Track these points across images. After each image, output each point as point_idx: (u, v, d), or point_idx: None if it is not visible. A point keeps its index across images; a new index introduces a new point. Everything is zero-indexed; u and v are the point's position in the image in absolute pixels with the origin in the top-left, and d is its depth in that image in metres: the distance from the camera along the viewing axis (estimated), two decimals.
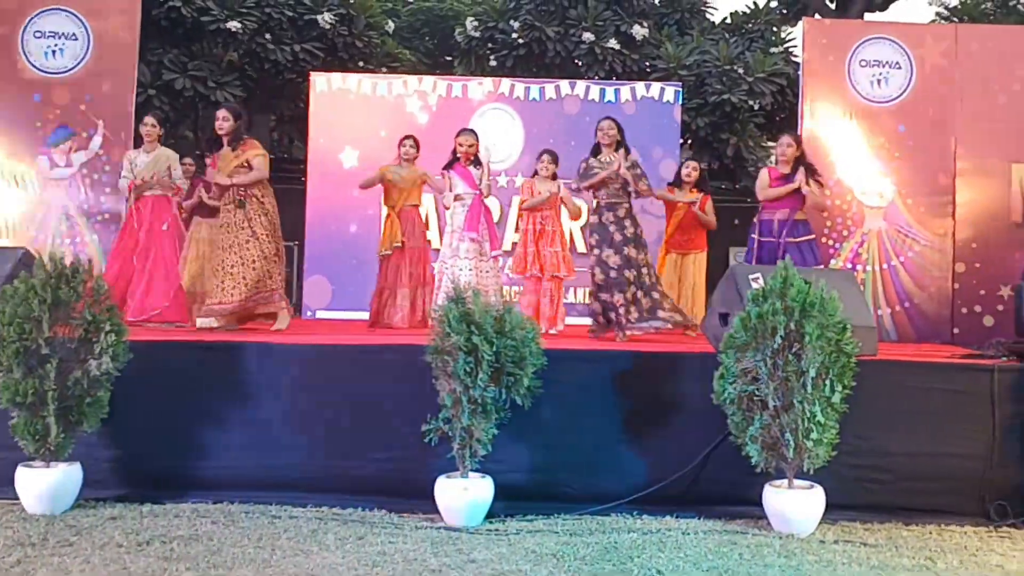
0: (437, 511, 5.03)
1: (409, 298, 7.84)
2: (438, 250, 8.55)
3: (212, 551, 4.34)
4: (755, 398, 4.89)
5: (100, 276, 5.24)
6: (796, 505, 4.92)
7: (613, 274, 7.01)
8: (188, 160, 8.51)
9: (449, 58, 14.62)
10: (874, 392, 5.31)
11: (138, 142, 8.17)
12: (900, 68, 8.68)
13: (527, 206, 8.03)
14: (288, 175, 12.16)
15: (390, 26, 13.57)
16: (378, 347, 5.87)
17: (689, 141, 12.73)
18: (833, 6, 15.33)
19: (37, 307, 4.91)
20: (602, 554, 4.46)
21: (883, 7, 15.48)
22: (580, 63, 13.11)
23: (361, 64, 12.77)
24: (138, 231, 7.52)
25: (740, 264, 6.89)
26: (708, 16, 14.39)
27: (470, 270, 7.51)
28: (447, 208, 7.94)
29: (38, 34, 8.43)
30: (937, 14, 16.48)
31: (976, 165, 8.56)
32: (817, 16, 13.96)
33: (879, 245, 8.60)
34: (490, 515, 5.05)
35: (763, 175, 7.70)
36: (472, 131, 8.00)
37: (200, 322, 6.99)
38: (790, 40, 13.38)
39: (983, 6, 15.22)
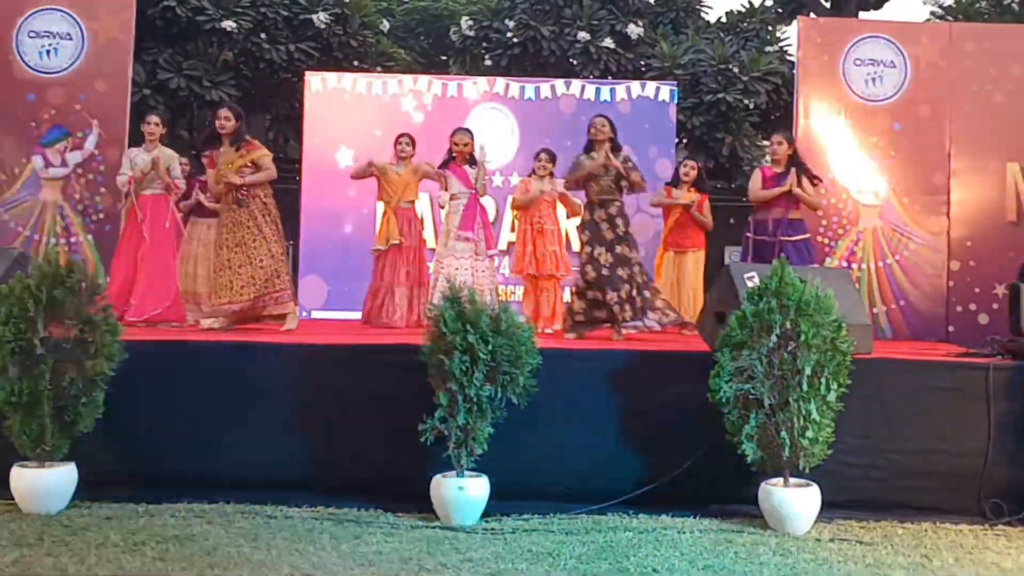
0: (433, 510, 5.03)
1: (407, 297, 7.84)
2: (433, 249, 8.56)
3: (208, 551, 4.33)
4: (751, 397, 4.90)
5: (95, 276, 5.22)
6: (792, 503, 4.92)
7: (605, 272, 7.00)
8: (183, 160, 8.50)
9: (444, 57, 14.64)
10: (870, 390, 5.33)
11: (133, 141, 8.17)
12: (895, 67, 8.70)
13: (518, 204, 8.04)
14: (283, 175, 12.07)
15: (385, 25, 13.58)
16: (373, 347, 5.87)
17: (684, 140, 12.75)
18: (828, 5, 15.33)
19: (32, 307, 4.89)
20: (598, 553, 4.46)
21: (878, 6, 15.48)
22: (575, 62, 13.12)
23: (356, 63, 12.77)
24: (140, 231, 7.53)
25: (736, 263, 6.89)
26: (703, 15, 14.42)
27: (466, 269, 7.52)
28: (442, 207, 7.95)
29: (32, 34, 8.42)
30: (932, 13, 16.48)
31: (971, 164, 8.59)
32: (812, 15, 13.96)
33: (874, 243, 8.61)
34: (486, 514, 5.04)
35: (756, 176, 7.73)
36: (467, 130, 8.02)
37: (205, 322, 6.98)
38: (785, 39, 13.42)
39: (977, 5, 15.24)
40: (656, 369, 5.62)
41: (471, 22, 13.35)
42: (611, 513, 5.17)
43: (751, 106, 12.55)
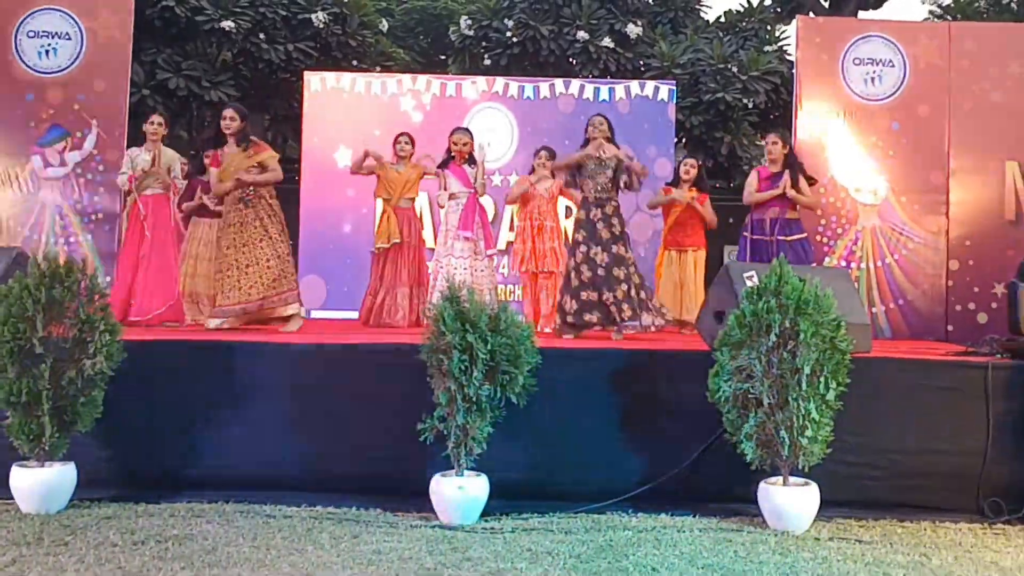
0: (432, 509, 5.03)
1: (407, 297, 7.84)
2: (432, 249, 8.56)
3: (207, 550, 4.34)
4: (750, 396, 4.90)
5: (94, 276, 5.22)
6: (791, 502, 4.93)
7: (601, 272, 7.00)
8: (183, 160, 8.50)
9: (443, 57, 14.63)
10: (869, 389, 5.33)
11: (132, 141, 8.17)
12: (894, 66, 8.70)
13: (510, 199, 8.08)
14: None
15: (384, 25, 13.57)
16: (373, 346, 5.87)
17: (683, 140, 12.74)
18: (827, 4, 15.34)
19: (31, 307, 4.90)
20: (597, 552, 4.46)
21: (876, 5, 15.49)
22: (574, 62, 13.11)
23: (355, 63, 12.76)
24: (141, 231, 7.54)
25: (734, 262, 6.89)
26: (702, 14, 14.41)
27: (465, 269, 7.53)
28: (442, 207, 7.95)
29: (31, 34, 8.41)
30: (930, 12, 16.50)
31: (970, 163, 8.59)
32: (811, 14, 13.97)
33: (873, 243, 8.62)
34: (485, 513, 5.05)
35: (751, 176, 7.78)
36: (466, 130, 8.03)
37: (213, 322, 6.98)
38: (784, 38, 13.40)
39: (976, 4, 15.24)
40: (655, 368, 5.62)
41: (470, 22, 13.34)
42: (610, 512, 5.18)
43: (750, 105, 12.55)
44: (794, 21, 9.64)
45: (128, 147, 8.12)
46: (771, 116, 13.17)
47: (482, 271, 7.64)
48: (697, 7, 14.33)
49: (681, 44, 12.77)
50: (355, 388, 5.48)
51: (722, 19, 14.21)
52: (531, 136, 10.13)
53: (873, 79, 8.70)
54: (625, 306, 6.95)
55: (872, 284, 8.57)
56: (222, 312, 6.80)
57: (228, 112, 6.98)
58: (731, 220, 10.56)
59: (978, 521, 5.23)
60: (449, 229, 7.71)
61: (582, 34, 12.76)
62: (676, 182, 8.65)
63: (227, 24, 11.69)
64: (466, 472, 5.01)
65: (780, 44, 13.23)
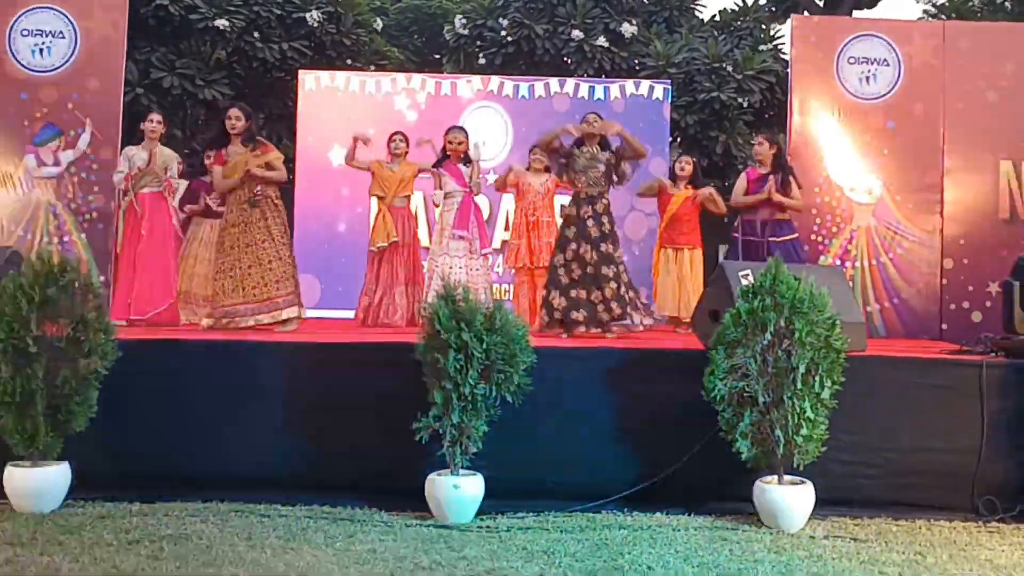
0: (427, 509, 5.02)
1: (404, 296, 7.84)
2: (427, 248, 8.56)
3: (202, 550, 4.33)
4: (745, 394, 4.90)
5: (88, 275, 5.21)
6: (786, 501, 4.93)
7: (590, 270, 7.00)
8: (179, 159, 8.49)
9: (438, 56, 14.61)
10: (864, 388, 5.33)
11: (127, 140, 8.15)
12: (888, 65, 8.72)
13: (496, 185, 8.08)
14: None
15: (378, 24, 13.55)
16: (367, 345, 5.87)
17: (678, 139, 12.73)
18: (822, 3, 15.36)
19: (25, 306, 4.89)
20: (593, 550, 4.46)
21: (871, 4, 15.51)
22: (569, 61, 13.11)
23: (349, 62, 12.74)
24: (138, 230, 7.54)
25: (730, 261, 6.90)
26: (697, 14, 14.40)
27: (460, 268, 7.53)
28: (437, 206, 7.95)
29: (25, 32, 8.39)
30: (925, 11, 16.50)
31: (964, 162, 8.60)
32: (806, 13, 13.98)
33: (868, 242, 8.63)
34: (480, 512, 5.04)
35: (740, 179, 7.85)
36: (462, 129, 8.04)
37: (206, 321, 6.97)
38: (779, 37, 13.39)
39: (970, 4, 15.24)
40: (650, 367, 5.62)
41: (464, 20, 13.33)
42: (606, 511, 5.18)
43: (745, 105, 12.55)
44: (789, 20, 9.65)
45: (122, 146, 8.11)
46: (766, 115, 13.17)
47: (477, 270, 7.65)
48: (692, 6, 14.33)
49: (676, 43, 12.77)
50: (350, 387, 5.47)
51: (717, 18, 14.21)
52: (526, 135, 10.13)
53: (868, 78, 8.71)
54: (614, 304, 6.95)
55: (867, 283, 8.58)
56: (223, 312, 6.79)
57: (233, 112, 6.98)
58: (726, 220, 10.57)
59: (973, 519, 5.23)
60: (444, 228, 7.71)
61: (577, 33, 12.75)
62: (672, 180, 8.68)
63: (221, 23, 11.67)
64: (461, 471, 5.01)
65: (775, 43, 13.23)
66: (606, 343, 6.47)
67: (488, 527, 4.87)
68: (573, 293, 7.00)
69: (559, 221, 8.48)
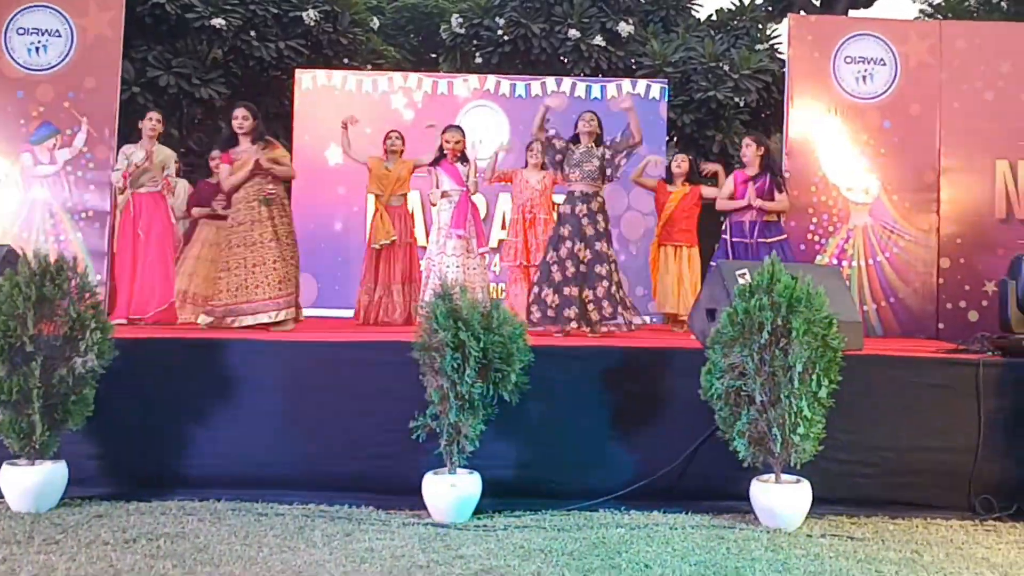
0: (424, 507, 5.02)
1: (402, 294, 7.85)
2: (424, 247, 8.56)
3: (199, 548, 4.32)
4: (742, 393, 4.91)
5: (85, 273, 5.20)
6: (783, 499, 4.93)
7: (584, 268, 7.01)
8: (176, 158, 8.49)
9: (434, 55, 14.59)
10: (860, 387, 5.34)
11: (123, 139, 8.14)
12: (885, 64, 8.73)
13: (489, 175, 8.08)
14: None
15: (375, 23, 13.53)
16: (364, 344, 5.87)
17: (675, 138, 12.73)
18: (818, 3, 15.35)
19: (21, 304, 4.88)
20: (590, 549, 4.46)
21: (867, 4, 15.50)
22: (565, 60, 13.09)
23: (346, 61, 12.72)
24: (136, 229, 7.54)
25: (726, 261, 6.91)
26: (693, 13, 14.38)
27: (457, 267, 7.53)
28: (434, 205, 7.95)
29: (21, 31, 8.37)
30: (921, 11, 16.50)
31: (961, 162, 8.62)
32: (802, 13, 13.97)
33: (864, 241, 8.64)
34: (478, 511, 5.05)
35: (728, 180, 7.86)
36: (459, 128, 8.04)
37: (204, 319, 6.97)
38: (775, 37, 13.38)
39: (966, 3, 15.23)
40: (648, 366, 5.62)
41: (461, 20, 13.31)
42: (603, 509, 5.18)
43: (741, 104, 12.54)
44: (785, 19, 9.66)
45: (118, 145, 8.10)
46: (762, 115, 13.17)
47: (474, 269, 7.65)
48: (688, 5, 14.31)
49: (672, 42, 12.77)
50: (347, 386, 5.48)
51: (713, 17, 14.20)
52: (522, 134, 10.11)
53: (864, 77, 8.72)
54: (605, 303, 6.97)
55: (863, 282, 8.59)
56: (226, 310, 6.79)
57: (240, 111, 7.00)
58: (722, 219, 10.58)
59: (969, 518, 5.25)
60: (441, 227, 7.71)
61: (573, 32, 12.74)
62: (669, 178, 8.70)
63: (218, 21, 11.64)
64: (458, 470, 5.01)
65: (771, 43, 13.22)
66: (604, 342, 6.47)
67: (485, 526, 4.87)
68: (565, 291, 7.01)
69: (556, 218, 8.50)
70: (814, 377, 4.84)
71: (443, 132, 7.87)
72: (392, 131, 8.15)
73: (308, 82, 10.55)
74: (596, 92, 10.54)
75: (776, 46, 13.04)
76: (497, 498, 5.12)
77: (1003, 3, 14.90)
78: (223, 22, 11.67)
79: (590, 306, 6.95)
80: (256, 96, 12.68)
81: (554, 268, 7.07)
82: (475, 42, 13.31)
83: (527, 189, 8.11)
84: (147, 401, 5.42)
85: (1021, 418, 5.43)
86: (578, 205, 7.12)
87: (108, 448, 5.37)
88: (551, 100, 7.32)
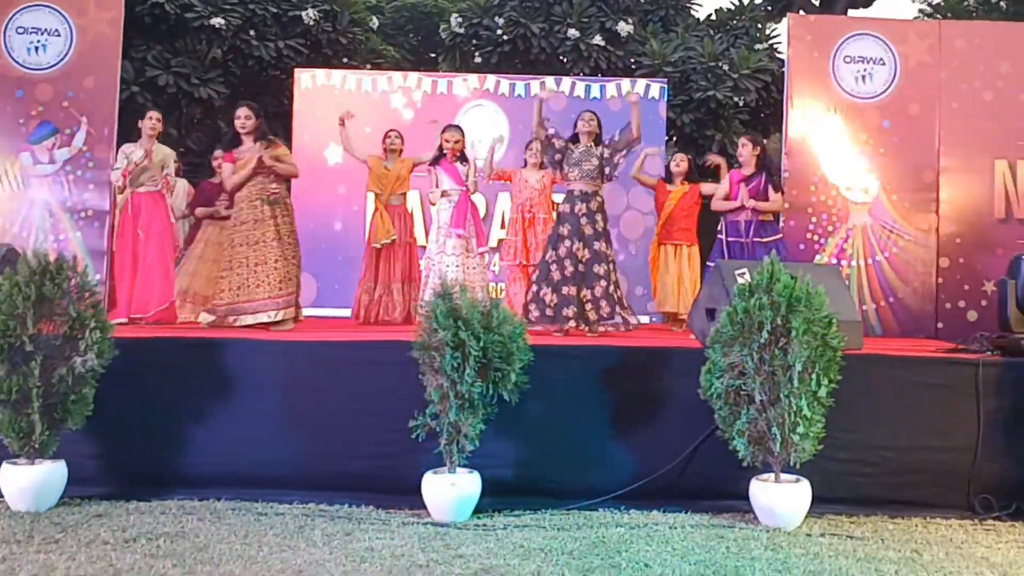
0: (424, 507, 5.02)
1: (402, 293, 7.85)
2: (424, 247, 8.55)
3: (199, 548, 4.32)
4: (742, 393, 4.91)
5: (85, 273, 5.20)
6: (782, 499, 4.94)
7: (582, 268, 7.01)
8: (175, 156, 8.49)
9: (434, 55, 14.58)
10: (860, 386, 5.35)
11: (122, 138, 8.13)
12: (884, 64, 8.73)
13: (487, 172, 8.08)
14: None
15: (374, 22, 13.52)
16: (364, 343, 5.88)
17: (674, 138, 12.73)
18: (817, 2, 15.34)
19: (21, 304, 4.88)
20: (590, 548, 4.46)
21: (867, 3, 15.49)
22: (565, 59, 13.09)
23: (345, 60, 12.72)
24: (135, 228, 7.54)
25: (725, 261, 6.91)
26: (693, 13, 14.38)
27: (456, 266, 7.53)
28: (433, 204, 7.95)
29: (20, 30, 8.36)
30: (920, 11, 16.49)
31: (960, 161, 8.62)
32: (801, 12, 13.97)
33: (864, 241, 8.64)
34: (477, 510, 5.05)
35: (724, 181, 7.86)
36: (458, 127, 8.04)
37: (205, 317, 6.96)
38: (775, 36, 13.37)
39: (965, 3, 15.23)
40: (647, 365, 5.62)
41: (460, 19, 13.30)
42: (602, 509, 5.19)
43: (741, 104, 12.53)
44: (785, 19, 9.65)
45: (118, 144, 8.09)
46: (762, 114, 13.17)
47: (474, 268, 7.64)
48: (688, 5, 14.30)
49: (672, 42, 12.76)
50: (347, 385, 5.48)
51: (713, 17, 14.19)
52: (522, 134, 10.09)
53: (864, 77, 8.72)
54: (603, 303, 6.98)
55: (863, 282, 8.59)
56: (228, 308, 6.78)
57: (242, 111, 7.01)
58: (718, 217, 10.59)
59: (968, 517, 5.25)
60: (441, 227, 7.71)
61: (573, 32, 12.73)
62: (669, 177, 8.71)
63: (217, 21, 11.64)
64: (458, 469, 5.01)
65: (771, 42, 13.22)
66: (603, 341, 6.47)
67: (485, 525, 4.87)
68: (564, 290, 7.01)
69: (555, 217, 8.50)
70: (814, 376, 4.84)
71: (442, 132, 7.87)
72: (391, 130, 8.16)
73: (307, 81, 10.55)
74: (595, 92, 10.54)
75: (775, 46, 13.04)
76: (497, 497, 5.13)
77: (1002, 3, 14.89)
78: (222, 21, 11.67)
79: (588, 306, 6.96)
80: (255, 95, 12.67)
81: (553, 267, 7.07)
82: (474, 42, 13.30)
83: (526, 188, 8.11)
84: (147, 401, 5.42)
85: (1020, 418, 5.44)
86: (577, 204, 7.13)
87: (108, 447, 5.37)
88: (543, 92, 7.35)
